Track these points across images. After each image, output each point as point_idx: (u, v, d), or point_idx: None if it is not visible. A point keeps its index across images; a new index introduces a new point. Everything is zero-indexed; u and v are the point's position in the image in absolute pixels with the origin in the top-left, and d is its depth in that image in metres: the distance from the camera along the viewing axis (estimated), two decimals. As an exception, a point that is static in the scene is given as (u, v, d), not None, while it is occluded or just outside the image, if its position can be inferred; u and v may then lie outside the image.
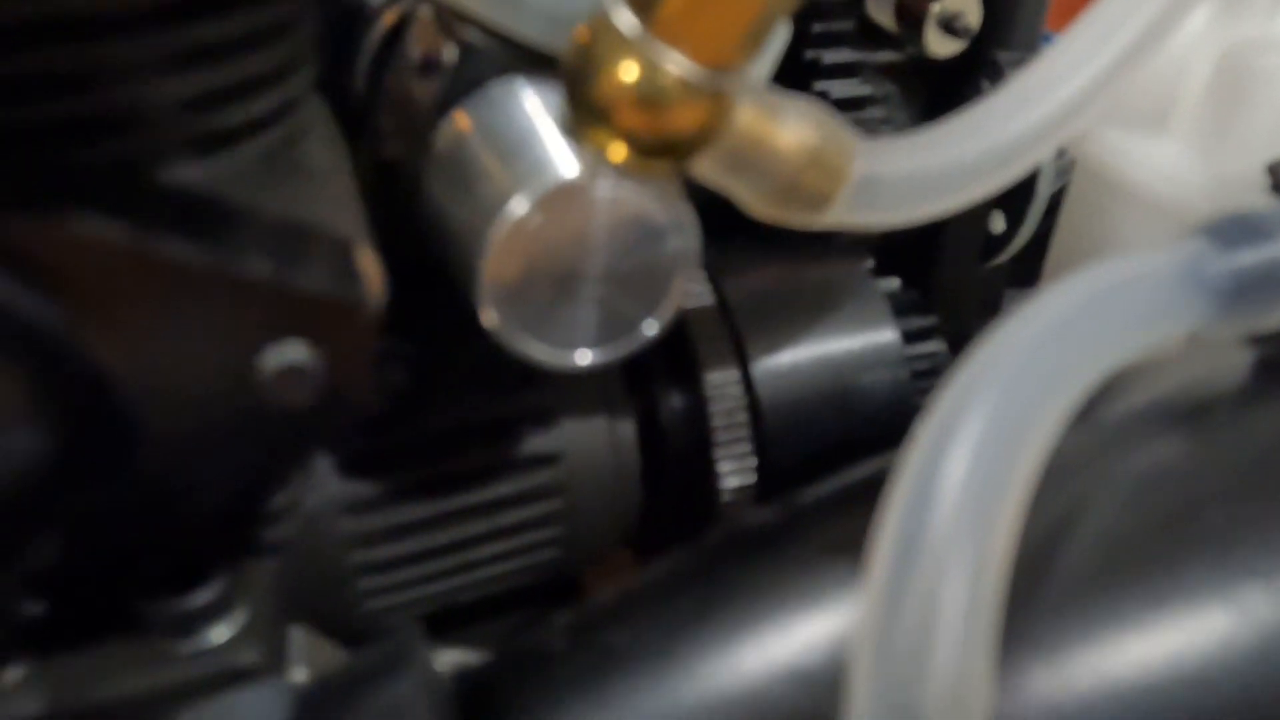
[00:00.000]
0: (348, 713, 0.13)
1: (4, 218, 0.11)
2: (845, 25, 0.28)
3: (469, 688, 0.14)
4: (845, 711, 0.13)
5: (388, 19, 0.22)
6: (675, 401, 0.23)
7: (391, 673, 0.13)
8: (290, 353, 0.13)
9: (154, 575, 0.17)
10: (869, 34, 0.30)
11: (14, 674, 0.17)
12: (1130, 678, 0.14)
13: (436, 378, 0.20)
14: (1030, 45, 0.31)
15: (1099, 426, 0.16)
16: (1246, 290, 0.16)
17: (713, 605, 0.15)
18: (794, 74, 0.28)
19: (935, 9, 0.27)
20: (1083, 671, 0.14)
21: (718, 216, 0.20)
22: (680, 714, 0.14)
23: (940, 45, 0.28)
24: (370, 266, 0.14)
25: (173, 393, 0.13)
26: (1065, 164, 0.33)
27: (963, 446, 0.14)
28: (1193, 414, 0.17)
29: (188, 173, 0.14)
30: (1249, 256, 0.16)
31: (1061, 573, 0.14)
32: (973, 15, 0.28)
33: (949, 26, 0.28)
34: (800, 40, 0.27)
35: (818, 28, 0.28)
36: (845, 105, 0.28)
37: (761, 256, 0.25)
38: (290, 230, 0.14)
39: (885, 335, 0.24)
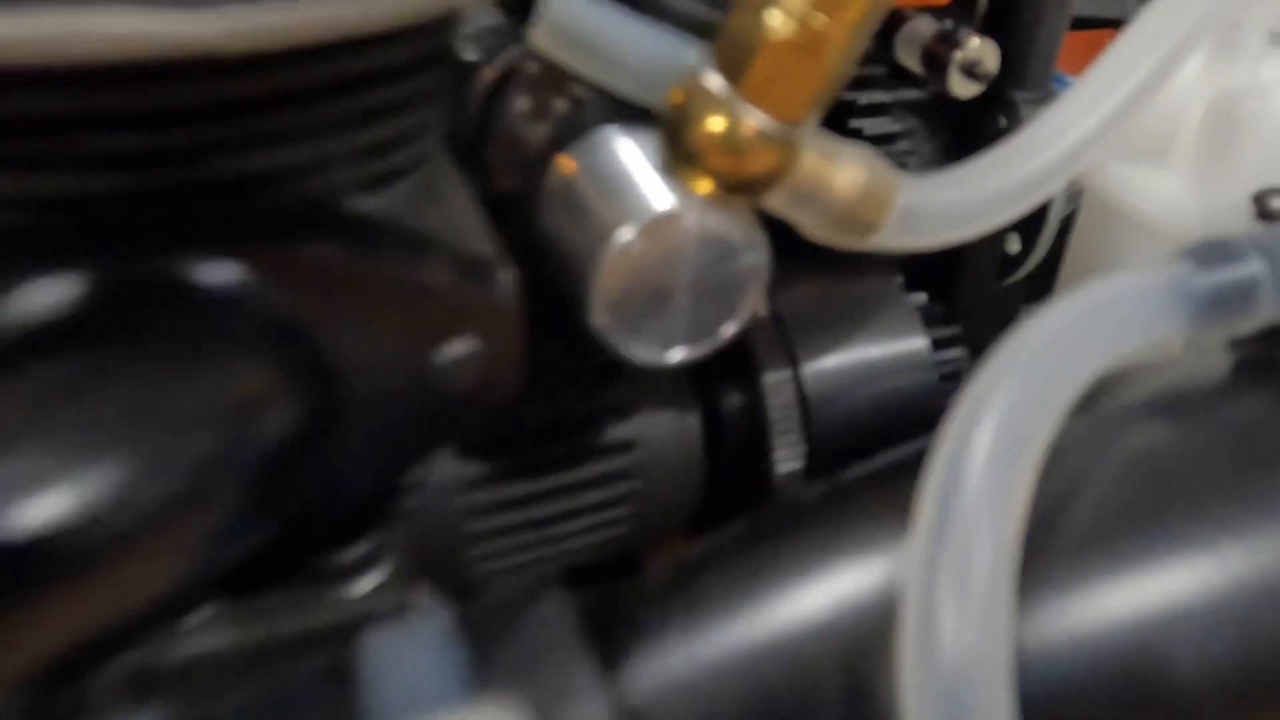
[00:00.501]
0: (505, 628, 0.16)
1: (260, 247, 0.15)
2: (877, 70, 0.32)
3: (588, 617, 0.17)
4: (898, 642, 0.16)
5: (489, 73, 0.26)
6: (735, 398, 0.26)
7: (534, 599, 0.17)
8: (460, 346, 0.16)
9: (324, 533, 0.20)
10: (897, 74, 0.34)
11: (203, 612, 0.20)
12: (1125, 613, 0.17)
13: (538, 377, 0.23)
14: (1043, 85, 0.34)
15: (1099, 414, 0.20)
16: (1220, 303, 0.19)
17: (783, 554, 0.18)
18: (832, 113, 0.31)
19: (958, 56, 0.31)
20: (1085, 608, 0.17)
21: (771, 238, 0.24)
22: (758, 640, 0.17)
23: (962, 88, 0.31)
24: (512, 278, 0.18)
25: (373, 379, 0.16)
26: (1075, 192, 0.36)
27: (986, 430, 0.17)
28: (1179, 402, 0.20)
29: (371, 203, 0.18)
30: (1223, 275, 0.19)
31: (1067, 530, 0.18)
32: (991, 61, 0.31)
33: (970, 71, 0.31)
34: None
35: (853, 72, 0.31)
36: (877, 141, 0.32)
37: (807, 274, 0.29)
38: (451, 247, 0.18)
39: (916, 343, 0.28)
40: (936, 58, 0.32)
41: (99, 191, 0.14)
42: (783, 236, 0.23)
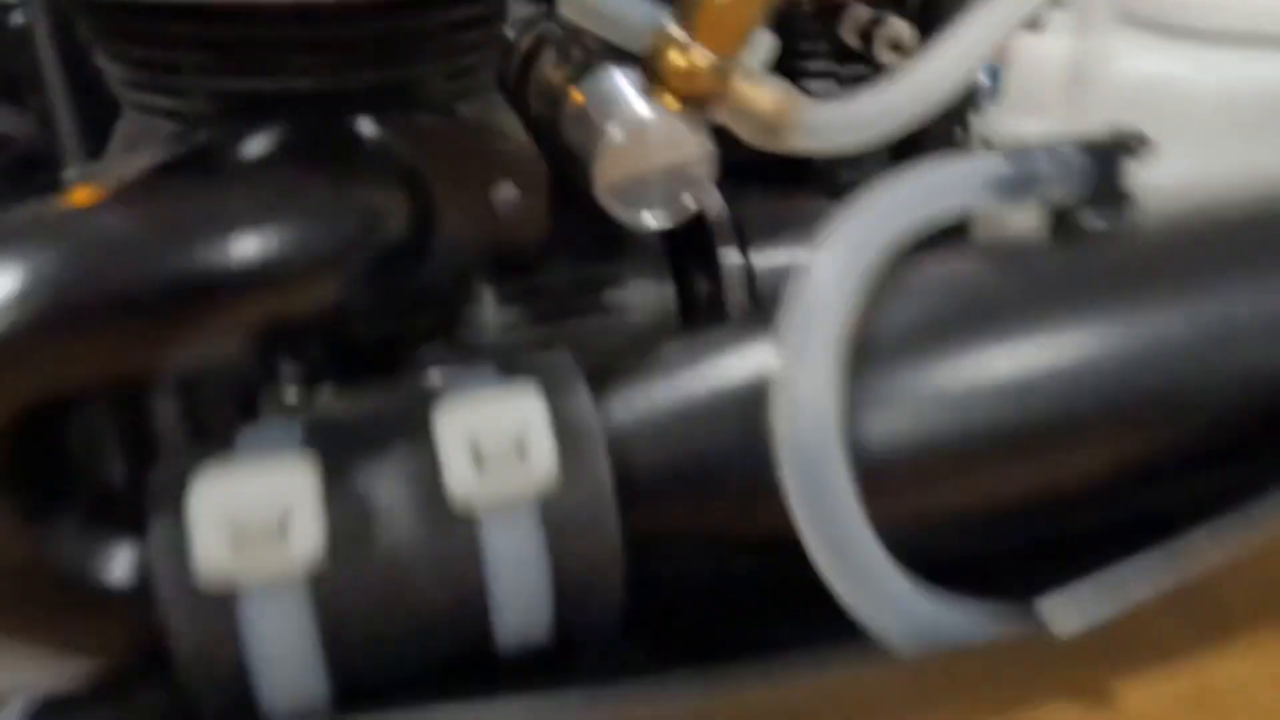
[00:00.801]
0: (529, 358, 0.25)
1: (400, 123, 0.25)
2: (821, 46, 0.41)
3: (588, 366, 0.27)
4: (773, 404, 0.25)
5: (526, 41, 0.36)
6: (700, 278, 0.36)
7: (550, 349, 0.26)
8: (507, 191, 0.26)
9: (413, 335, 0.30)
10: (847, 54, 0.43)
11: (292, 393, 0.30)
12: (929, 387, 0.26)
13: (559, 246, 0.33)
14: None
15: (940, 257, 0.29)
16: (1016, 183, 0.28)
17: (710, 343, 0.28)
18: (788, 77, 0.41)
19: (881, 32, 0.40)
20: (900, 381, 0.26)
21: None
22: (694, 396, 0.27)
23: (887, 58, 0.41)
24: (538, 155, 0.28)
25: (455, 206, 0.26)
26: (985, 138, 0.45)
27: (829, 253, 0.26)
28: (995, 251, 0.30)
29: (459, 105, 0.27)
30: (1018, 165, 0.28)
31: (896, 328, 0.27)
32: (908, 37, 0.41)
33: (893, 45, 0.41)
34: (791, 55, 0.41)
35: (803, 46, 0.41)
36: (822, 99, 0.41)
37: (761, 195, 0.38)
38: (502, 133, 0.27)
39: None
40: (868, 35, 0.41)
41: (314, 86, 0.24)
42: (748, 171, 0.32)
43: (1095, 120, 0.37)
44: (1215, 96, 0.36)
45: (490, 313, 0.33)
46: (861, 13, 0.42)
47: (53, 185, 0.34)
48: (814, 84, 0.41)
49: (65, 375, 0.22)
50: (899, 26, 0.40)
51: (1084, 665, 0.26)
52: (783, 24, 0.41)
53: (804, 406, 0.25)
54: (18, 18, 0.38)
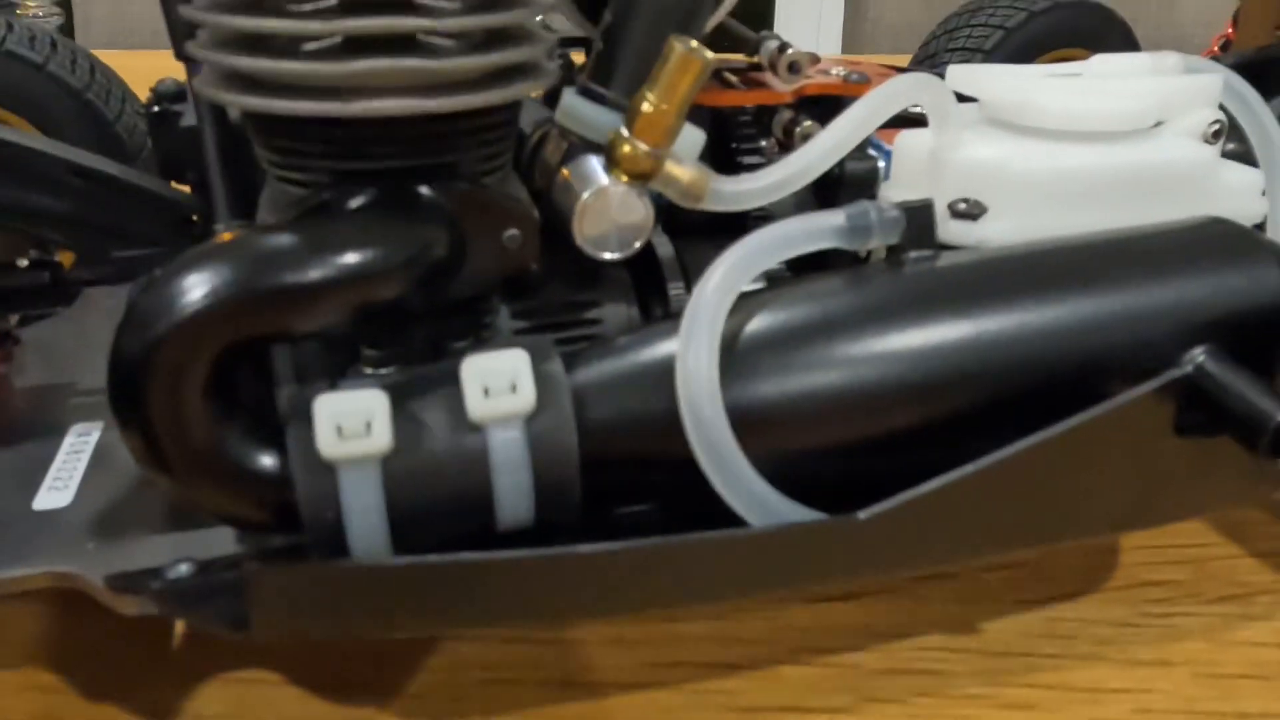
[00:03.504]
0: (520, 343, 0.40)
1: (447, 189, 0.39)
2: (757, 141, 0.56)
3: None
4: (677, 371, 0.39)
5: (534, 135, 0.51)
6: (656, 302, 0.50)
7: (532, 337, 0.40)
8: (512, 233, 0.41)
9: (449, 335, 0.44)
10: (782, 145, 0.58)
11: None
12: (802, 355, 0.40)
13: (551, 277, 0.47)
14: (863, 150, 0.58)
15: (801, 285, 0.43)
16: (854, 230, 0.42)
17: (653, 337, 0.42)
18: (726, 161, 0.56)
19: (798, 130, 0.55)
20: (781, 352, 0.40)
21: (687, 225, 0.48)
22: (634, 371, 0.41)
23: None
24: (535, 211, 0.43)
25: (479, 242, 0.40)
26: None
27: (716, 272, 0.40)
28: (848, 274, 0.44)
29: (488, 179, 0.42)
30: (855, 217, 0.42)
31: (765, 324, 0.41)
32: (816, 132, 0.55)
33: (806, 138, 0.55)
34: (732, 147, 0.55)
35: (744, 143, 0.56)
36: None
37: (699, 241, 0.53)
38: (515, 196, 0.42)
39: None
40: (790, 132, 0.56)
41: (392, 166, 0.39)
42: (688, 222, 0.47)
43: (949, 192, 0.52)
44: (1033, 175, 0.50)
45: (504, 322, 0.48)
46: (786, 115, 0.57)
47: (207, 236, 0.50)
48: (752, 163, 0.55)
49: (243, 331, 0.36)
50: (811, 126, 0.55)
51: (886, 548, 0.39)
52: (728, 124, 0.57)
53: (692, 372, 0.39)
54: (186, 119, 0.55)
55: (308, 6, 0.38)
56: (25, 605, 0.51)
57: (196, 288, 0.36)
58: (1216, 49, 0.80)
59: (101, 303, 0.60)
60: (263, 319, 0.36)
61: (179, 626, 0.51)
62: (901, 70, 0.73)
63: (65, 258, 0.59)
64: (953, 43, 0.94)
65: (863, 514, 0.38)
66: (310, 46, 0.39)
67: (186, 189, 0.57)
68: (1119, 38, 0.93)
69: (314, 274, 0.37)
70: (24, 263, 0.55)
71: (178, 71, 0.53)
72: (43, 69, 0.68)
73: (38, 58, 0.68)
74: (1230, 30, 0.78)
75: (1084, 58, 0.78)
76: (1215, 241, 0.46)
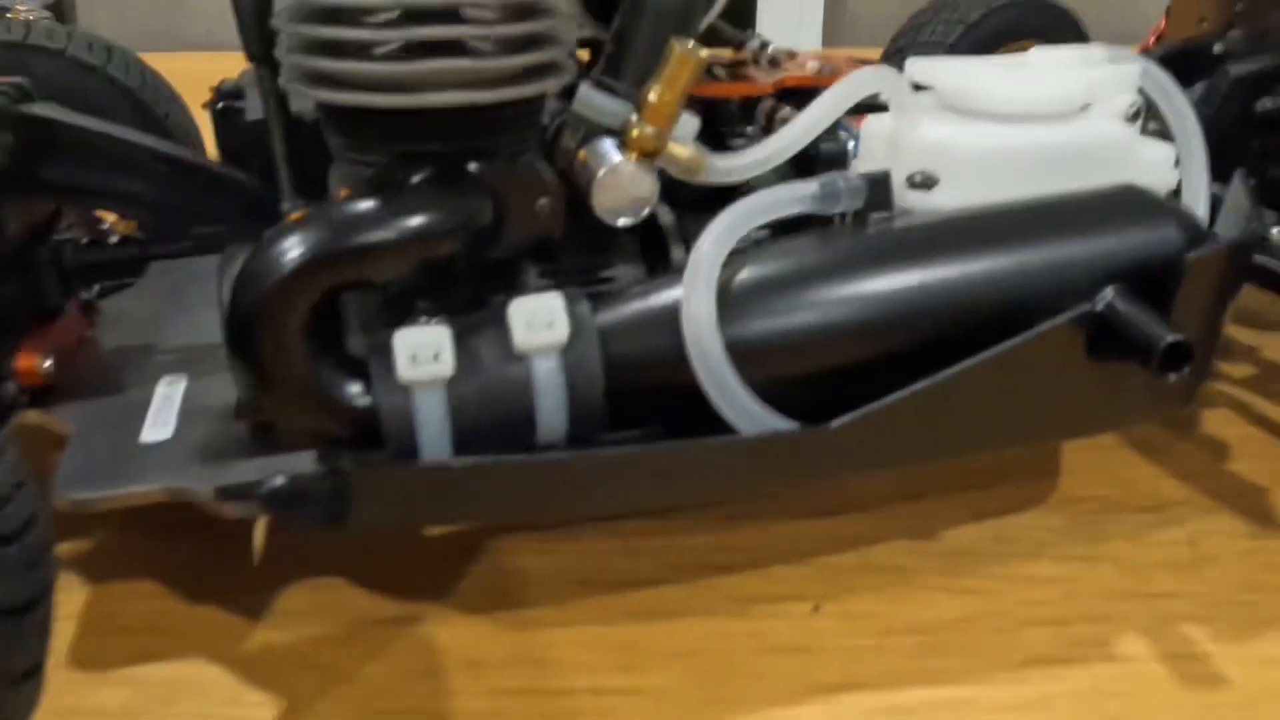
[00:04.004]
0: (556, 291, 0.48)
1: (489, 165, 0.48)
2: (742, 126, 0.65)
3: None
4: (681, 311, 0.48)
5: (556, 121, 0.60)
6: (659, 261, 0.59)
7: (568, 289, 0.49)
8: (544, 201, 0.50)
9: (492, 289, 0.53)
10: (764, 130, 0.67)
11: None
12: (786, 297, 0.49)
13: (572, 241, 0.56)
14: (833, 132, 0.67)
15: (781, 243, 0.52)
16: (826, 196, 0.51)
17: (659, 284, 0.51)
18: (718, 142, 0.64)
19: (778, 116, 0.64)
20: (768, 293, 0.49)
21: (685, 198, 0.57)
22: (645, 313, 0.50)
23: (783, 131, 0.64)
24: (559, 182, 0.51)
25: (517, 208, 0.49)
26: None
27: (712, 231, 0.49)
28: (817, 234, 0.53)
29: (522, 156, 0.51)
30: (827, 184, 0.51)
31: (759, 267, 0.50)
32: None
33: (784, 123, 0.64)
34: (722, 131, 0.64)
35: (731, 126, 0.65)
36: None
37: (698, 213, 0.61)
38: (543, 171, 0.51)
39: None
40: (771, 118, 0.65)
41: (446, 148, 0.48)
42: (689, 198, 0.56)
43: (906, 166, 0.61)
44: (978, 151, 0.59)
45: (532, 280, 0.56)
46: (767, 103, 0.66)
47: (271, 214, 0.58)
48: (738, 144, 0.64)
49: (332, 281, 0.45)
50: (790, 113, 0.64)
51: (854, 451, 0.48)
52: (718, 111, 0.66)
53: (695, 313, 0.48)
54: (249, 114, 0.63)
55: (379, 17, 0.46)
56: (132, 527, 0.60)
57: (296, 248, 0.44)
58: (1152, 41, 0.89)
59: (168, 274, 0.68)
60: (347, 272, 0.45)
61: (258, 543, 0.60)
62: (871, 63, 0.82)
63: (127, 228, 0.67)
64: (920, 36, 1.04)
65: (834, 424, 0.47)
66: (378, 50, 0.47)
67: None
68: (1070, 30, 1.03)
69: (386, 235, 0.45)
70: (114, 239, 0.63)
71: (189, 74, 0.61)
72: (102, 72, 0.76)
73: (97, 62, 0.76)
74: (1164, 24, 0.87)
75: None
76: (1125, 204, 0.55)
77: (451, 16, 0.47)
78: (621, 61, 0.56)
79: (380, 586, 0.56)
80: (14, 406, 0.55)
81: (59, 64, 0.73)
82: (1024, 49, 1.02)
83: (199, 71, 0.93)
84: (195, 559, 0.58)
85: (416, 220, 0.46)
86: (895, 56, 1.04)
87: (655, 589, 0.56)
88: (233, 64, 0.62)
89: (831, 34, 1.91)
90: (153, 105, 0.79)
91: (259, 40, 0.55)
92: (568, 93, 0.56)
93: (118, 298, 0.68)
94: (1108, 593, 0.56)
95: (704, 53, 0.50)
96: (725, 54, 0.69)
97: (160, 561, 0.58)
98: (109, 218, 0.69)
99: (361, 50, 0.47)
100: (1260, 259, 0.69)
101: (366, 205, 0.46)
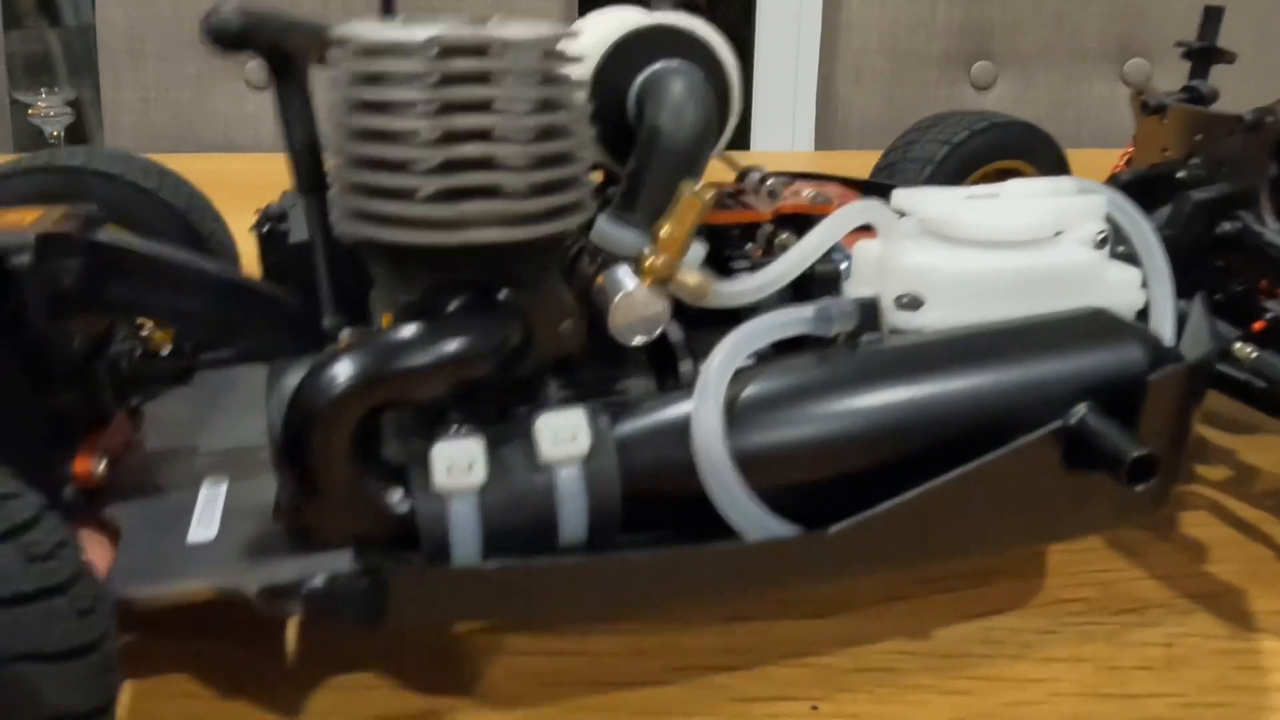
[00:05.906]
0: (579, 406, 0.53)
1: (516, 291, 0.54)
2: (743, 249, 0.71)
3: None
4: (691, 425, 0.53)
5: (572, 250, 0.66)
6: (669, 376, 0.64)
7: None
8: (567, 323, 0.55)
9: (516, 403, 0.58)
10: (765, 253, 0.73)
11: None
12: (790, 412, 0.54)
13: (589, 358, 0.61)
14: (829, 258, 0.73)
15: (782, 362, 0.57)
16: (819, 320, 0.56)
17: (671, 398, 0.56)
18: (720, 264, 0.70)
19: (777, 241, 0.70)
20: (773, 409, 0.54)
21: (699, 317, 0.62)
22: (664, 422, 0.54)
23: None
24: (579, 307, 0.57)
25: (542, 331, 0.54)
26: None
27: (720, 351, 0.54)
28: (813, 355, 0.58)
29: (549, 283, 0.57)
30: (820, 310, 0.57)
31: (758, 387, 0.55)
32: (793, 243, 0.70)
33: (783, 249, 0.70)
34: (724, 256, 0.70)
35: (733, 251, 0.71)
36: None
37: (708, 330, 0.67)
38: (566, 297, 0.56)
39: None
40: (770, 243, 0.71)
41: (477, 277, 0.53)
42: (695, 314, 0.61)
43: (894, 289, 0.66)
44: (960, 275, 0.65)
45: (553, 392, 0.61)
46: (767, 229, 0.72)
47: (315, 330, 0.63)
48: (740, 267, 0.70)
49: (376, 401, 0.50)
50: (788, 239, 0.70)
51: (849, 554, 0.53)
52: (721, 237, 0.72)
53: (704, 426, 0.53)
54: (292, 236, 0.69)
55: (422, 167, 0.52)
56: (168, 627, 0.63)
57: (345, 373, 0.49)
58: (1123, 163, 0.96)
59: (204, 380, 0.73)
60: (393, 392, 0.50)
61: (290, 641, 0.63)
62: (864, 183, 0.89)
63: (164, 338, 0.72)
64: (909, 154, 1.11)
65: (832, 529, 0.52)
66: (419, 195, 0.53)
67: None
68: (1046, 151, 1.10)
69: (428, 360, 0.51)
70: (165, 351, 0.68)
71: (209, 175, 0.66)
72: (155, 196, 0.82)
73: (151, 185, 0.82)
74: (1131, 149, 0.94)
75: (1017, 167, 0.97)
76: (1093, 327, 0.60)
77: (486, 164, 0.53)
78: (635, 198, 0.62)
79: (402, 685, 0.60)
80: (72, 509, 0.59)
81: (116, 187, 0.80)
82: (1004, 168, 1.10)
83: (219, 172, 1.03)
84: (226, 657, 0.62)
85: (455, 345, 0.51)
86: (885, 171, 1.11)
87: (659, 688, 0.60)
88: (248, 164, 0.69)
89: (824, 138, 2.01)
90: (199, 225, 0.85)
91: (309, 176, 0.61)
92: (586, 224, 0.62)
93: (158, 402, 0.72)
94: (1089, 694, 0.60)
95: (709, 195, 0.56)
96: (727, 184, 0.75)
97: (193, 660, 0.61)
98: (146, 324, 0.74)
99: (400, 192, 0.53)
100: (1226, 369, 0.74)
101: (410, 332, 0.52)
